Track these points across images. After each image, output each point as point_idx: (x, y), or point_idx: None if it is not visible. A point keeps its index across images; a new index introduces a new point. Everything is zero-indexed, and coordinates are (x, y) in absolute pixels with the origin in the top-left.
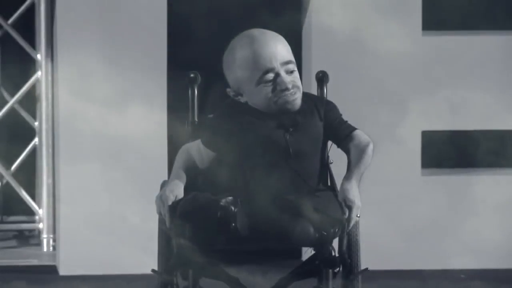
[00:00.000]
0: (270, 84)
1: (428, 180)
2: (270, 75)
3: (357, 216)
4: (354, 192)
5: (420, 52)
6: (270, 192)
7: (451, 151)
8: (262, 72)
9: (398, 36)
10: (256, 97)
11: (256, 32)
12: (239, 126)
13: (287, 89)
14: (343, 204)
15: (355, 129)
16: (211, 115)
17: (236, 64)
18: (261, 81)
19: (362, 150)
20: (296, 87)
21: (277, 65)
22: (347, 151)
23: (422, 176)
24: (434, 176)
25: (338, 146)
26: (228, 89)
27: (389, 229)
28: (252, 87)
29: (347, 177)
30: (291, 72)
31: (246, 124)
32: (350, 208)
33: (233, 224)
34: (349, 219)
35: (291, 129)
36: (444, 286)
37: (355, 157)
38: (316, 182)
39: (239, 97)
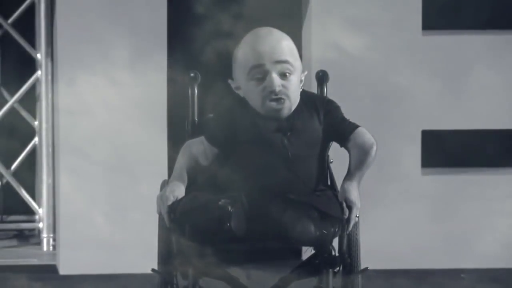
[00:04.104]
0: (259, 82)
1: (428, 180)
2: (259, 72)
3: (356, 216)
4: (354, 192)
5: (420, 52)
6: (269, 191)
7: (451, 151)
8: (250, 67)
9: (398, 35)
10: (248, 93)
11: (262, 30)
12: (240, 125)
13: (274, 91)
14: (343, 204)
15: (357, 126)
16: (211, 115)
17: (236, 56)
18: (250, 77)
19: (365, 151)
20: (286, 95)
21: (268, 62)
22: (349, 150)
23: (422, 176)
24: (434, 176)
25: (341, 145)
26: (229, 80)
27: (389, 228)
28: (245, 82)
29: (348, 177)
30: (285, 75)
31: (246, 124)
32: (350, 209)
33: (228, 224)
34: (349, 220)
35: (288, 133)
36: (444, 286)
37: (358, 157)
38: (314, 183)
39: (239, 90)
